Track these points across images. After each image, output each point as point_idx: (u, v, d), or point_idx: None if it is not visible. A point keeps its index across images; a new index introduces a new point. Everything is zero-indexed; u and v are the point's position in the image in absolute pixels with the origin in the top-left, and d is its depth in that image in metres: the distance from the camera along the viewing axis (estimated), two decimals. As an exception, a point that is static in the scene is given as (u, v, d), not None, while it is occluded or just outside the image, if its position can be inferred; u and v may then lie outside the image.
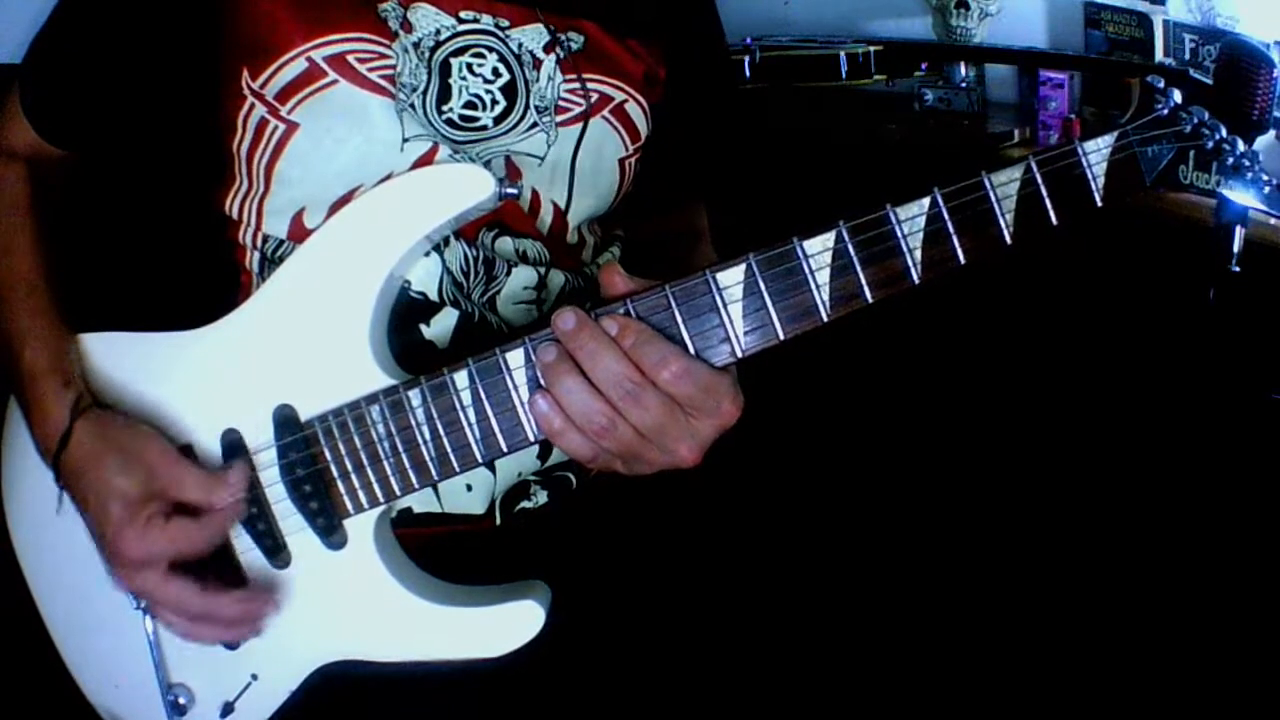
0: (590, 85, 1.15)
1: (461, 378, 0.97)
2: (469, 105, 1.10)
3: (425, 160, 1.08)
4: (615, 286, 0.95)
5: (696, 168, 1.33)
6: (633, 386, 0.91)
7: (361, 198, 1.04)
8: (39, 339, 1.07)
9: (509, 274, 1.13)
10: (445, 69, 1.09)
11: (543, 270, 1.15)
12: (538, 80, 1.12)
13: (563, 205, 1.16)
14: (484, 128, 1.10)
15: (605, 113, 1.16)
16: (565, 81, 1.13)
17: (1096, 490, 2.03)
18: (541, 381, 0.94)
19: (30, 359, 1.06)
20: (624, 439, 0.92)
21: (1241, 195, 0.92)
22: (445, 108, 1.09)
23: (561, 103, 1.13)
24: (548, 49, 1.13)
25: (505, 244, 1.13)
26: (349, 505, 1.02)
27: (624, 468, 0.96)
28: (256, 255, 1.12)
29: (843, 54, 2.48)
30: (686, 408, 0.92)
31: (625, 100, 1.17)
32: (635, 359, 0.91)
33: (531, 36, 1.12)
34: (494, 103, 1.10)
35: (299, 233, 1.09)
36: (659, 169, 1.25)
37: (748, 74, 2.49)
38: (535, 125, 1.12)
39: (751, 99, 2.46)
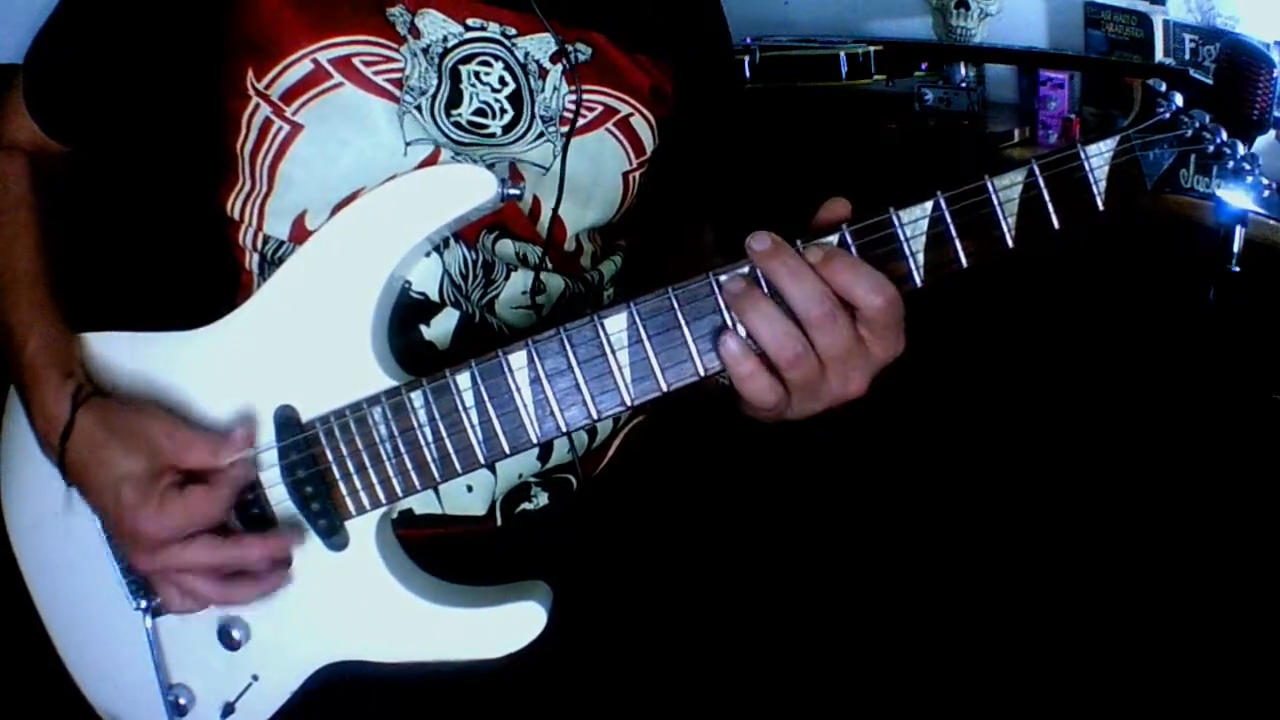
0: (595, 98, 1.15)
1: (464, 379, 0.97)
2: (479, 112, 1.10)
3: (429, 164, 1.08)
4: (835, 211, 0.93)
5: (702, 186, 1.33)
6: (831, 307, 0.89)
7: (363, 198, 1.04)
8: (40, 332, 1.07)
9: (507, 277, 1.13)
10: (456, 75, 1.09)
11: (543, 275, 1.15)
12: (543, 90, 1.12)
13: (562, 215, 1.16)
14: (492, 135, 1.11)
15: (609, 125, 1.16)
16: (570, 92, 1.13)
17: (1097, 490, 2.03)
18: (727, 319, 0.92)
19: (31, 352, 1.06)
20: (810, 368, 0.90)
21: (1240, 198, 0.92)
22: (455, 112, 1.09)
23: (566, 113, 1.13)
24: (554, 59, 1.13)
25: (506, 247, 1.13)
26: (351, 506, 1.01)
27: (796, 408, 0.94)
28: (256, 256, 1.12)
29: (843, 54, 2.48)
30: (871, 337, 0.91)
31: (631, 114, 1.17)
32: (843, 286, 0.89)
33: (538, 46, 1.12)
34: (502, 111, 1.10)
35: (300, 234, 1.09)
36: (665, 183, 1.25)
37: (748, 74, 2.49)
38: (541, 135, 1.12)
39: (752, 99, 2.46)
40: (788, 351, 0.90)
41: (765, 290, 0.91)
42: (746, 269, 0.93)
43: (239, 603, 1.03)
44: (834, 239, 0.92)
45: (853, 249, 0.92)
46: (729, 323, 0.93)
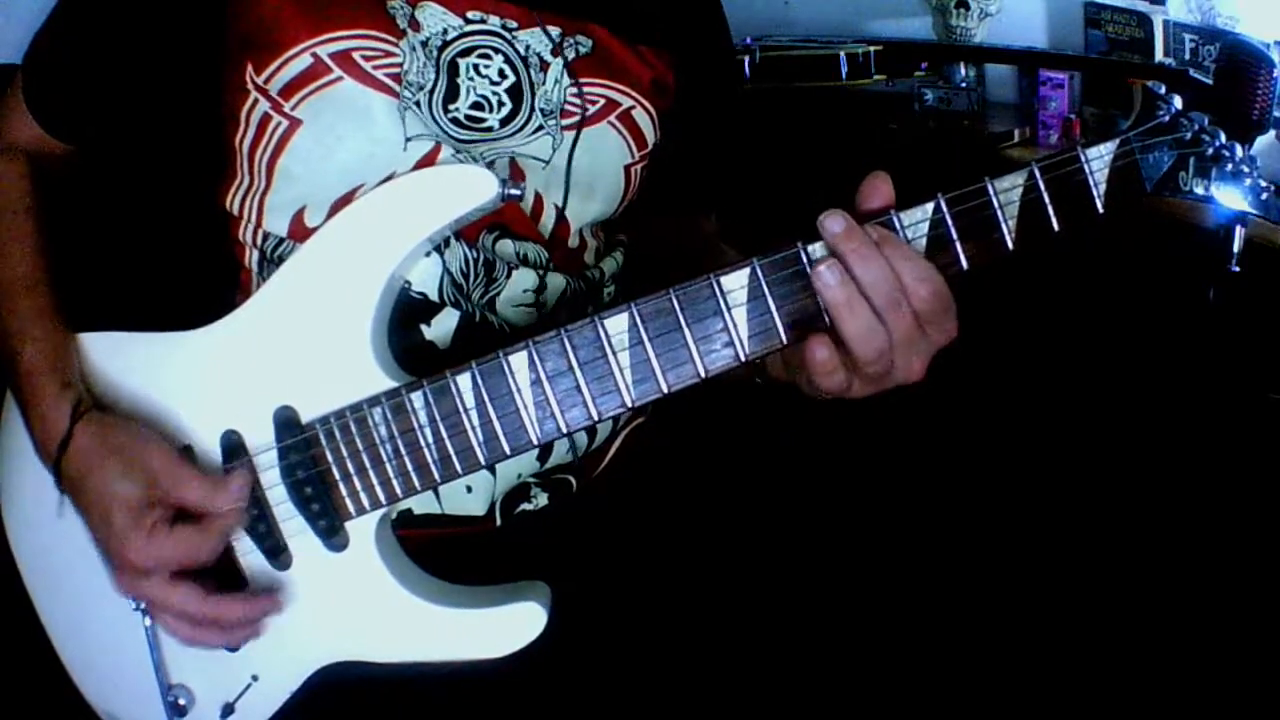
0: (597, 90, 1.15)
1: (465, 380, 0.97)
2: (476, 106, 1.10)
3: (428, 160, 1.08)
4: (878, 190, 0.93)
5: (704, 178, 1.32)
6: (897, 295, 0.89)
7: (364, 198, 1.04)
8: (38, 338, 1.07)
9: (509, 276, 1.13)
10: (453, 69, 1.09)
11: (543, 273, 1.15)
12: (544, 83, 1.12)
13: (564, 209, 1.16)
14: (490, 129, 1.10)
15: (611, 118, 1.16)
16: (571, 85, 1.13)
17: (1097, 490, 2.03)
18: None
19: (29, 358, 1.06)
20: (885, 351, 0.90)
21: (1237, 200, 0.92)
22: (452, 107, 1.09)
23: (567, 106, 1.13)
24: (555, 52, 1.13)
25: (506, 246, 1.13)
26: (350, 507, 1.01)
27: (861, 391, 0.94)
28: (255, 253, 1.12)
29: (843, 54, 2.48)
30: (926, 323, 0.91)
31: (632, 106, 1.17)
32: (896, 270, 0.90)
33: (539, 38, 1.12)
34: (500, 104, 1.10)
35: (299, 231, 1.09)
36: (667, 177, 1.25)
37: (748, 74, 2.49)
38: (541, 128, 1.12)
39: (752, 99, 2.46)
40: (874, 350, 0.90)
41: (856, 287, 0.90)
42: (748, 269, 0.93)
43: (205, 646, 1.03)
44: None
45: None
46: (730, 324, 0.93)
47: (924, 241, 0.91)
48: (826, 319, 0.92)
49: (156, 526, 0.97)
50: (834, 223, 0.90)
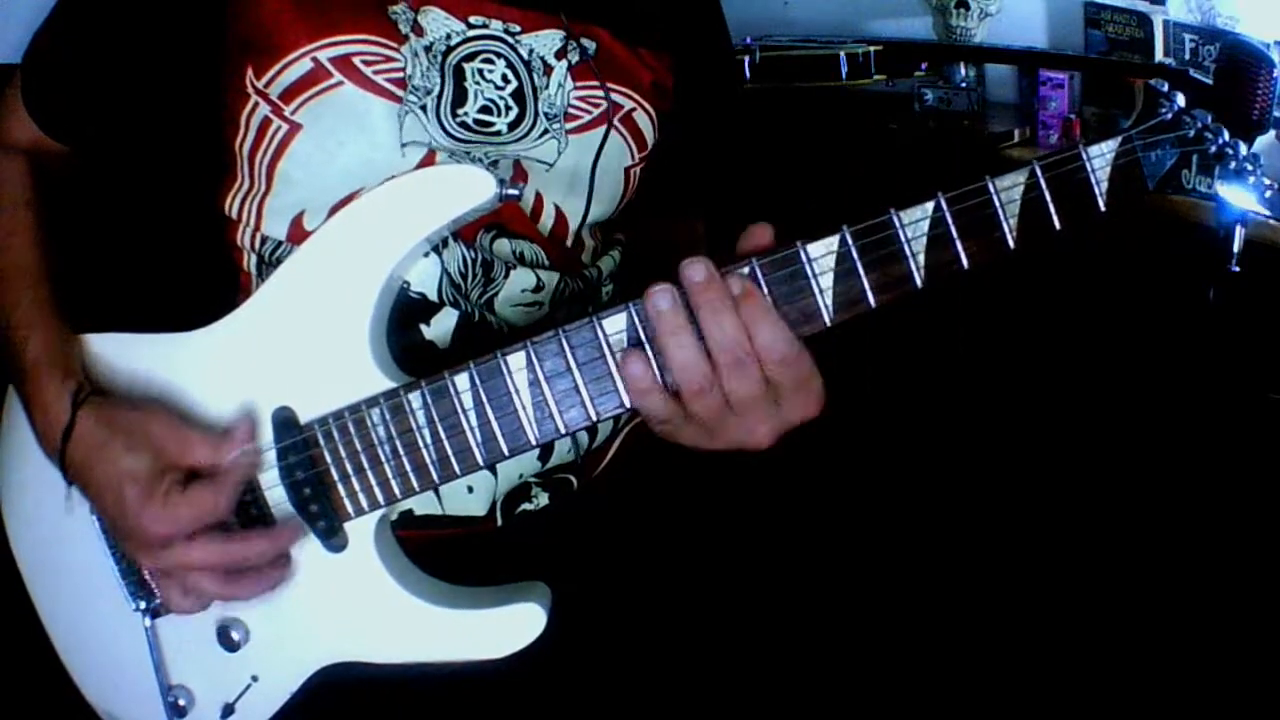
0: (599, 93, 1.15)
1: (463, 380, 0.97)
2: (484, 110, 1.10)
3: (428, 164, 1.08)
4: (754, 236, 0.93)
5: (699, 180, 1.32)
6: (744, 355, 0.89)
7: (362, 198, 1.04)
8: (40, 332, 1.07)
9: (507, 276, 1.13)
10: (459, 73, 1.09)
11: (541, 273, 1.15)
12: (546, 87, 1.12)
13: (568, 211, 1.16)
14: (498, 133, 1.10)
15: (615, 120, 1.16)
16: (576, 89, 1.13)
17: (1097, 490, 2.03)
18: (645, 333, 0.92)
19: (33, 351, 1.06)
20: (713, 406, 0.90)
21: (1242, 198, 0.92)
22: (460, 111, 1.09)
23: (571, 110, 1.13)
24: (559, 55, 1.13)
25: (503, 245, 1.13)
26: (349, 508, 1.01)
27: (693, 438, 0.94)
28: (254, 256, 1.12)
29: (843, 54, 2.48)
30: (779, 392, 0.91)
31: (634, 109, 1.17)
32: (750, 330, 0.89)
33: (543, 42, 1.12)
34: (507, 109, 1.10)
35: (298, 234, 1.09)
36: (662, 178, 1.25)
37: (748, 74, 2.49)
38: (546, 132, 1.12)
39: (752, 99, 2.46)
40: (692, 384, 0.90)
41: (687, 316, 0.90)
42: (746, 269, 0.92)
43: (243, 598, 1.02)
44: (834, 240, 0.91)
45: (853, 250, 0.91)
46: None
47: (924, 240, 0.91)
48: (827, 319, 0.92)
49: (170, 491, 0.97)
50: (694, 271, 0.89)
